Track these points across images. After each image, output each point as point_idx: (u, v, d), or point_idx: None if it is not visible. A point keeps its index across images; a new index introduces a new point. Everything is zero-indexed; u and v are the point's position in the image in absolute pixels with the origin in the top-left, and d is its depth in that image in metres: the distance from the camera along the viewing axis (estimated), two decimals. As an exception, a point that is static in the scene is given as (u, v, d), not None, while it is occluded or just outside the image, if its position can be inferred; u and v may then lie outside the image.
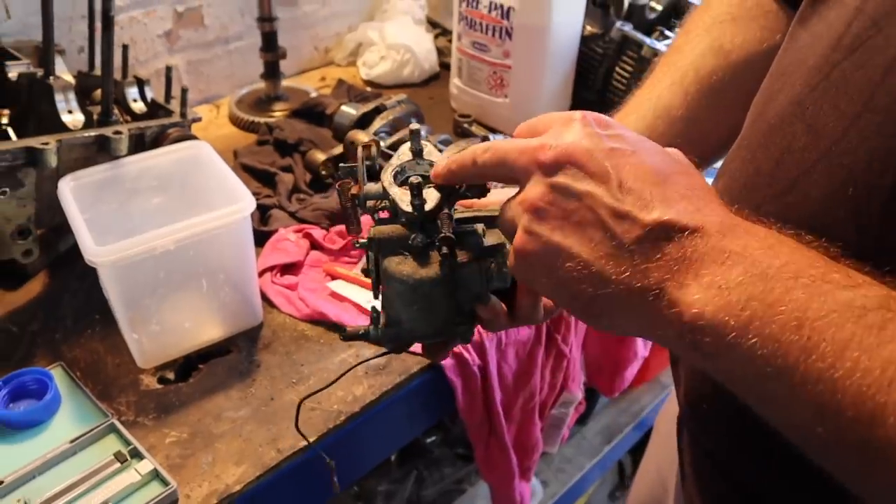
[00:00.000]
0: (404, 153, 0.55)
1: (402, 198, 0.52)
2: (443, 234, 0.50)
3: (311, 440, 0.79)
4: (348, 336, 0.56)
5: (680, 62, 0.69)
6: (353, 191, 0.56)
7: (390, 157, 0.56)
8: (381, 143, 1.13)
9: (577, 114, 0.45)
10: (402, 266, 0.52)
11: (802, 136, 0.46)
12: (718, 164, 0.63)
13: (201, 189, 0.93)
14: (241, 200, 0.83)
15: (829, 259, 0.39)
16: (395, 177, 0.54)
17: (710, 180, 0.54)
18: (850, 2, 0.46)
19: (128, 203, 0.91)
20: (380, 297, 0.57)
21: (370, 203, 0.56)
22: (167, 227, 0.78)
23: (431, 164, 0.54)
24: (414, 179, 0.50)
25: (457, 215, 0.54)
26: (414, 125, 0.55)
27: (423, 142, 0.55)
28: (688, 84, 0.67)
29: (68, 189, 0.84)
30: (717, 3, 0.71)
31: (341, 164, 0.58)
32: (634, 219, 0.40)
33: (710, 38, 0.69)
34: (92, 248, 0.76)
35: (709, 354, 0.39)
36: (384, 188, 0.53)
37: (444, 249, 0.50)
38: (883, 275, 0.38)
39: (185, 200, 0.93)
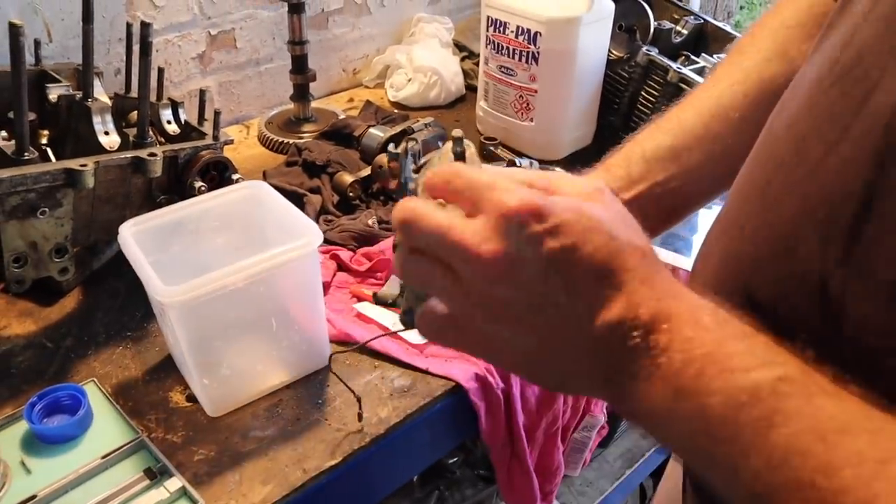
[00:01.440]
0: (445, 154, 0.55)
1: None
2: None
3: (337, 461, 0.80)
4: (380, 299, 0.55)
5: (744, 63, 0.68)
6: (392, 185, 0.56)
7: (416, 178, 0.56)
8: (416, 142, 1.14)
9: (512, 203, 0.40)
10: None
11: (790, 157, 0.47)
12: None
13: (263, 227, 0.92)
14: (307, 234, 0.81)
15: (743, 335, 0.40)
16: None
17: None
18: (846, 29, 0.47)
19: (191, 245, 0.90)
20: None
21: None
22: (237, 265, 0.77)
23: None
24: None
25: None
26: (457, 131, 0.54)
27: (466, 143, 0.54)
28: (749, 86, 0.66)
29: (130, 234, 0.82)
30: (786, 7, 0.70)
31: (389, 151, 0.57)
32: (582, 327, 0.41)
33: (776, 42, 0.68)
34: (161, 289, 0.74)
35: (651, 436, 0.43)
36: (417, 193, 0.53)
37: None
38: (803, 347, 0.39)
39: (249, 239, 0.92)
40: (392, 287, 0.99)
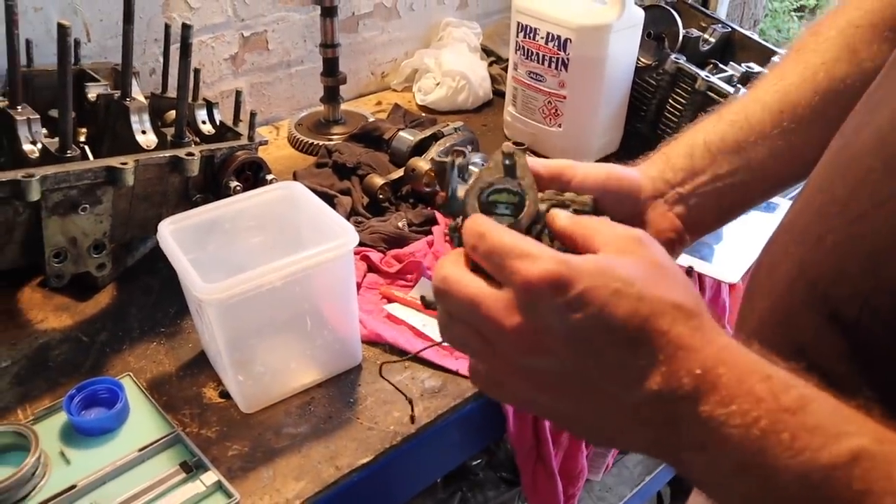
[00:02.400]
0: (497, 167, 0.50)
1: None
2: None
3: (369, 459, 0.81)
4: (429, 304, 0.55)
5: (811, 60, 0.65)
6: (438, 201, 0.55)
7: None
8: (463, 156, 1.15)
9: (534, 275, 0.39)
10: None
11: (879, 172, 0.46)
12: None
13: (298, 227, 0.94)
14: (343, 234, 0.82)
15: (805, 400, 0.38)
16: (480, 195, 0.49)
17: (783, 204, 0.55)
18: None
19: (226, 244, 0.91)
20: None
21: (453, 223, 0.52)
22: (275, 263, 0.78)
23: (519, 193, 0.49)
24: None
25: (542, 204, 0.51)
26: (508, 145, 0.51)
27: (517, 154, 0.50)
28: (818, 84, 0.63)
29: (168, 232, 0.84)
30: (854, 6, 0.67)
31: (433, 159, 0.55)
32: (619, 399, 0.40)
33: (844, 41, 0.65)
34: (201, 286, 0.75)
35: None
36: (465, 209, 0.50)
37: None
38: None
39: (284, 239, 0.93)
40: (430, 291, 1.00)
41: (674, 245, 0.60)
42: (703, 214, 0.61)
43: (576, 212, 0.50)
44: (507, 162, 0.49)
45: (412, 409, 0.86)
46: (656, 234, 0.59)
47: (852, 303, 0.45)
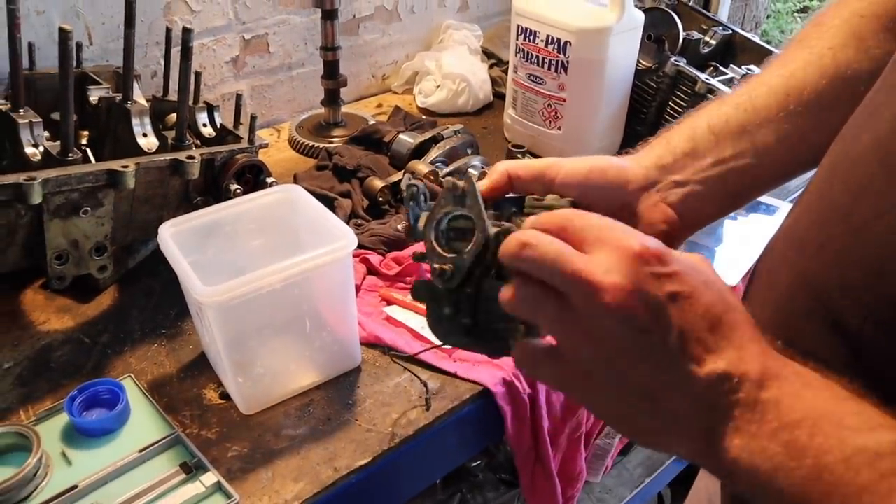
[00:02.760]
0: (446, 196, 0.52)
1: (434, 268, 0.51)
2: (461, 321, 0.52)
3: (367, 460, 0.81)
4: (418, 293, 0.56)
5: (817, 46, 0.64)
6: (405, 231, 0.56)
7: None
8: (439, 173, 1.16)
9: (635, 245, 0.42)
10: (435, 329, 0.55)
11: (880, 180, 0.46)
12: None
13: (298, 230, 0.94)
14: (342, 237, 0.83)
15: (849, 397, 0.41)
16: (436, 227, 0.52)
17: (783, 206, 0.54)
18: None
19: (227, 247, 0.92)
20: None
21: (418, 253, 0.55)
22: (274, 266, 0.79)
23: (469, 217, 0.51)
24: (439, 268, 0.50)
25: (527, 209, 0.54)
26: (449, 179, 0.52)
27: (466, 181, 0.51)
28: (824, 69, 0.62)
29: (168, 235, 0.84)
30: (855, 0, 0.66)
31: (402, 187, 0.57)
32: (689, 372, 0.42)
33: (849, 29, 0.64)
34: (201, 289, 0.76)
35: (740, 488, 0.43)
36: (427, 244, 0.52)
37: (467, 321, 0.51)
38: None
39: (283, 241, 0.94)
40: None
41: (668, 238, 0.58)
42: (704, 202, 0.60)
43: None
44: (455, 192, 0.51)
45: (427, 392, 0.88)
46: (648, 227, 0.58)
47: (855, 312, 0.45)
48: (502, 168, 0.56)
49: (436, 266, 0.51)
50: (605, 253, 0.42)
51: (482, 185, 0.54)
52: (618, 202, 0.57)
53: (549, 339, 0.47)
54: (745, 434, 0.41)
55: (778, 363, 0.42)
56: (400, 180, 1.20)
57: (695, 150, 0.60)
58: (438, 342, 0.57)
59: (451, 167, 1.19)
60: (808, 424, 0.40)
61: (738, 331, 0.42)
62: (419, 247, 1.12)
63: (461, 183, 0.51)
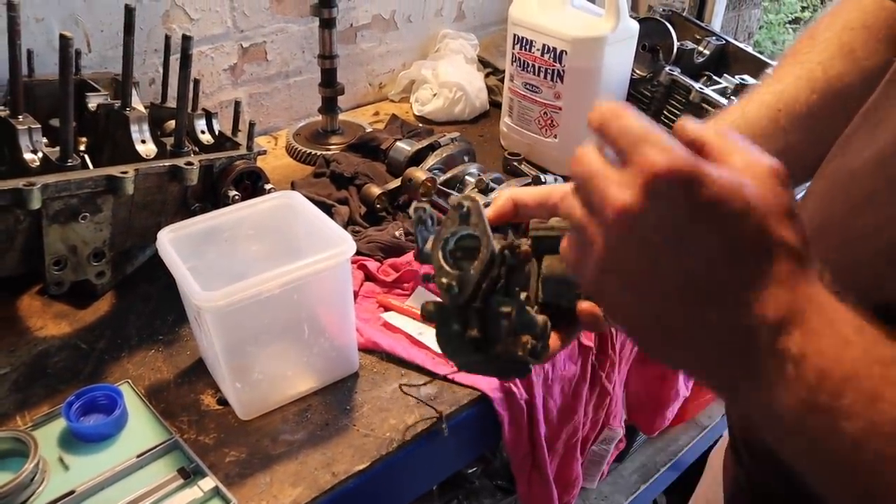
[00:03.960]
0: (453, 216, 0.52)
1: (442, 283, 0.52)
2: (470, 334, 0.52)
3: (365, 466, 0.81)
4: (429, 314, 0.56)
5: (807, 61, 0.65)
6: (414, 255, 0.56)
7: (445, 194, 0.56)
8: (436, 181, 1.16)
9: (660, 165, 0.37)
10: (445, 348, 0.55)
11: (884, 191, 0.46)
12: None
13: (296, 236, 0.95)
14: (341, 244, 0.83)
15: (894, 358, 0.37)
16: (444, 247, 0.52)
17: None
18: None
19: (225, 252, 0.92)
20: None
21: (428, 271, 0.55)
22: (272, 272, 0.79)
23: (475, 236, 0.52)
24: (445, 281, 0.51)
25: (531, 232, 0.54)
26: (455, 197, 0.53)
27: (469, 200, 0.52)
28: (815, 81, 0.63)
29: (167, 240, 0.84)
30: (847, 11, 0.67)
31: (410, 211, 0.58)
32: (728, 297, 0.38)
33: (840, 42, 0.65)
34: (199, 294, 0.76)
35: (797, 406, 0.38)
36: (434, 263, 0.53)
37: (475, 333, 0.52)
38: None
39: (282, 247, 0.94)
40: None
41: None
42: None
43: (557, 238, 0.49)
44: (461, 211, 0.51)
45: (442, 421, 0.88)
46: None
47: None
48: (507, 195, 0.56)
49: (443, 281, 0.51)
50: (629, 170, 0.38)
51: (488, 213, 0.55)
52: None
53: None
54: (767, 386, 0.37)
55: (809, 306, 0.37)
56: (398, 187, 1.21)
57: None
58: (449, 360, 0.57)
59: (447, 175, 1.20)
60: (832, 386, 0.36)
61: (765, 266, 0.38)
62: (414, 261, 1.11)
63: (466, 202, 0.51)
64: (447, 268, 0.52)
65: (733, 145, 0.39)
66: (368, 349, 0.96)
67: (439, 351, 0.56)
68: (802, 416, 0.37)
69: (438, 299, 0.54)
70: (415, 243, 0.57)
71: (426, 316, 0.55)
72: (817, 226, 0.51)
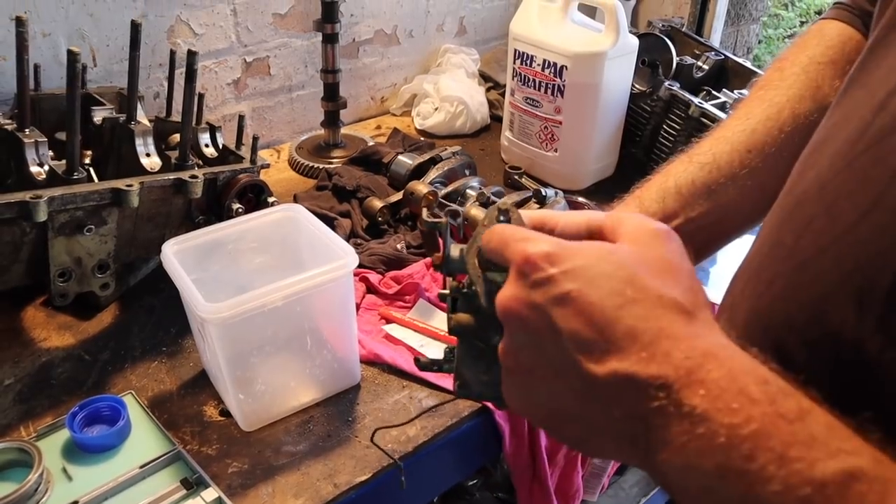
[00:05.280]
0: (491, 223, 0.50)
1: (475, 290, 0.49)
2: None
3: (367, 477, 0.82)
4: (424, 366, 0.56)
5: (776, 98, 0.67)
6: (435, 261, 0.55)
7: (445, 206, 0.55)
8: (438, 194, 1.17)
9: (520, 254, 0.41)
10: (466, 371, 0.52)
11: (821, 218, 0.46)
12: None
13: (299, 248, 0.95)
14: (343, 256, 0.84)
15: (804, 412, 0.36)
16: (479, 253, 0.50)
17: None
18: (878, 91, 0.46)
19: (229, 265, 0.93)
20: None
21: (454, 283, 0.52)
22: (276, 284, 0.80)
23: None
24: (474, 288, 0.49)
25: None
26: (502, 202, 0.52)
27: (512, 209, 0.51)
28: (783, 123, 0.66)
29: (171, 252, 0.85)
30: (815, 43, 0.69)
31: (424, 220, 0.56)
32: (588, 375, 0.38)
33: (807, 78, 0.67)
34: (204, 306, 0.77)
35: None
36: (469, 272, 0.51)
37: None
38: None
39: (285, 260, 0.95)
40: (433, 352, 0.99)
41: None
42: None
43: None
44: (501, 218, 0.50)
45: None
46: None
47: (800, 350, 0.46)
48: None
49: (480, 290, 0.48)
50: (511, 269, 0.42)
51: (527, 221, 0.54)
52: None
53: None
54: (676, 449, 0.36)
55: (710, 366, 0.36)
56: (399, 201, 1.22)
57: (664, 210, 0.65)
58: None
59: (449, 188, 1.21)
60: (745, 447, 0.34)
61: (642, 324, 0.37)
62: (418, 268, 1.12)
63: (510, 210, 0.50)
64: (484, 276, 0.49)
65: (622, 220, 0.44)
66: (370, 361, 0.97)
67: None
68: (719, 479, 0.35)
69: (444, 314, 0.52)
70: (436, 250, 0.56)
71: (452, 331, 0.52)
72: (768, 252, 0.52)
